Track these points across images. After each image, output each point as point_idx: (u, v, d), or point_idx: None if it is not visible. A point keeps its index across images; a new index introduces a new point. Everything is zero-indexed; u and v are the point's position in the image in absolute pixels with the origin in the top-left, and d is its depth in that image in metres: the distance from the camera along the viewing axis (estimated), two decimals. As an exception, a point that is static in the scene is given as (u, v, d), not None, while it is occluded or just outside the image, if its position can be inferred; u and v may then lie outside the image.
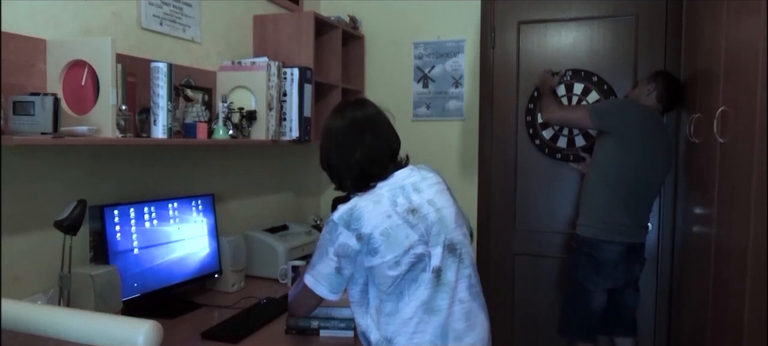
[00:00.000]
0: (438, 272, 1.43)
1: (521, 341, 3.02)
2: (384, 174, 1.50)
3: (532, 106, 2.92)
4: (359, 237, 1.41)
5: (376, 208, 1.42)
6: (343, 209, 1.45)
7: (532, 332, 2.99)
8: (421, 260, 1.42)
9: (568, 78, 2.82)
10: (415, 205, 1.45)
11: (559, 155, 2.90)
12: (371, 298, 1.48)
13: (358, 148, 1.49)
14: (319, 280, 1.47)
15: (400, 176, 1.51)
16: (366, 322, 1.49)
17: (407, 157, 1.60)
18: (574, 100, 2.86)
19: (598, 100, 2.79)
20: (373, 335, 1.47)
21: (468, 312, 1.47)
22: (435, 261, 1.43)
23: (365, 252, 1.42)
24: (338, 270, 1.46)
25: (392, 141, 1.55)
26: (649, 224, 2.58)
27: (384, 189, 1.47)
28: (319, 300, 1.52)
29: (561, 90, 2.90)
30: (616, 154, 2.40)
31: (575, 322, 2.52)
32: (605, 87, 2.81)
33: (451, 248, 1.47)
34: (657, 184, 2.48)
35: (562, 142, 2.90)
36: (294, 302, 1.61)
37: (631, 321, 2.60)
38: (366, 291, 1.49)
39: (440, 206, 1.49)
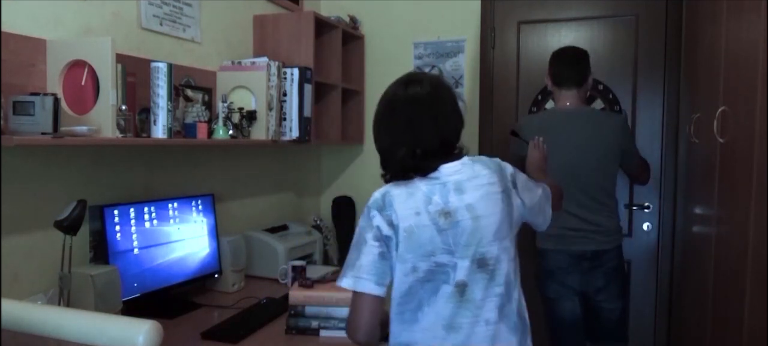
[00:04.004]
0: (462, 287, 1.30)
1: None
2: (423, 168, 1.33)
3: (534, 109, 2.92)
4: (390, 224, 1.30)
5: (408, 200, 1.30)
6: (377, 193, 1.34)
7: (533, 332, 2.99)
8: (443, 270, 1.30)
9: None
10: (450, 208, 1.30)
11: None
12: (393, 295, 1.36)
13: (387, 133, 1.36)
14: (361, 275, 1.30)
15: (446, 171, 1.34)
16: (390, 315, 1.37)
17: (462, 148, 1.39)
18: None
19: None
20: (392, 338, 1.37)
21: (494, 335, 1.31)
22: (460, 274, 1.30)
23: (393, 243, 1.31)
24: (382, 255, 1.31)
25: (443, 130, 1.34)
26: (620, 226, 2.39)
27: (422, 182, 1.33)
28: (374, 303, 1.31)
29: (551, 105, 2.88)
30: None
31: (555, 333, 2.42)
32: (610, 96, 2.80)
33: (481, 263, 1.31)
34: (593, 173, 2.28)
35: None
36: (349, 326, 1.36)
37: (613, 328, 2.41)
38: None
39: (481, 214, 1.31)
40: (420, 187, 1.32)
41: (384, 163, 1.39)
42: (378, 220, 1.31)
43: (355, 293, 1.32)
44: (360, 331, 1.33)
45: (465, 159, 1.38)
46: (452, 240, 1.30)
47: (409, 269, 1.31)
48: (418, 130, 1.32)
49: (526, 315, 1.43)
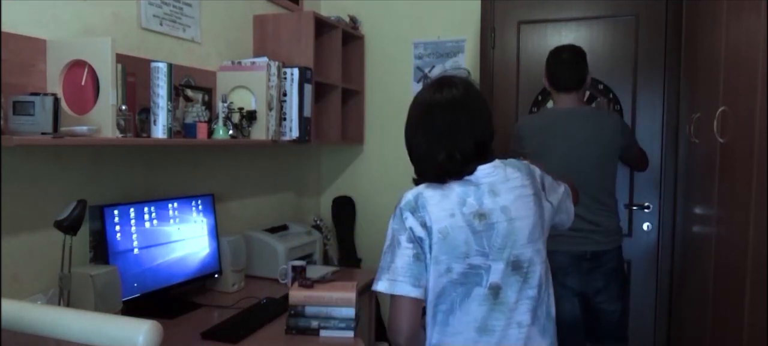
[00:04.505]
0: (496, 290, 1.29)
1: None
2: (457, 171, 1.32)
3: (535, 110, 2.92)
4: (424, 225, 1.29)
5: (442, 202, 1.29)
6: (409, 194, 1.33)
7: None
8: (476, 272, 1.29)
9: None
10: (485, 209, 1.29)
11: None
12: (428, 296, 1.34)
13: (424, 139, 1.33)
14: (397, 277, 1.28)
15: (479, 173, 1.33)
16: (427, 318, 1.35)
17: (493, 150, 1.39)
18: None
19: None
20: (427, 339, 1.36)
21: (527, 338, 1.31)
22: (494, 277, 1.29)
23: (427, 245, 1.29)
24: (417, 257, 1.29)
25: (478, 132, 1.33)
26: (620, 227, 2.37)
27: (456, 184, 1.32)
28: (412, 305, 1.29)
29: (551, 106, 2.88)
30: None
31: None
32: (611, 95, 2.80)
33: (515, 265, 1.31)
34: (593, 173, 2.26)
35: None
36: (390, 329, 1.34)
37: (613, 328, 2.39)
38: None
39: (515, 216, 1.31)
40: (454, 189, 1.31)
41: (420, 170, 1.37)
42: (411, 221, 1.30)
43: (392, 296, 1.31)
44: (401, 334, 1.31)
45: (497, 162, 1.37)
46: (487, 242, 1.29)
47: (444, 270, 1.30)
48: (457, 134, 1.31)
49: (554, 312, 1.43)
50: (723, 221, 1.72)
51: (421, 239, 1.29)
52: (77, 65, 1.70)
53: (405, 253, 1.29)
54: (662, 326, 2.78)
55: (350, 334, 1.80)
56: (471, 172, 1.32)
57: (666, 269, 2.75)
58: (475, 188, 1.31)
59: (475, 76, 3.05)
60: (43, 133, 1.49)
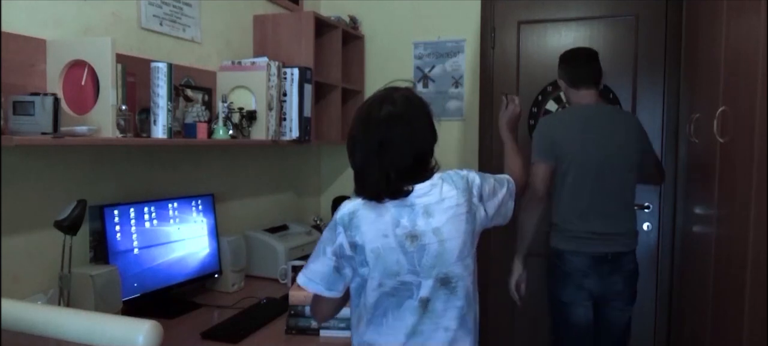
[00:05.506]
0: (425, 302, 1.36)
1: (522, 340, 3.02)
2: (396, 191, 1.34)
3: (535, 110, 2.92)
4: (352, 246, 1.34)
5: (377, 222, 1.34)
6: (346, 208, 1.38)
7: (533, 332, 2.99)
8: (407, 288, 1.35)
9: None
10: (417, 231, 1.34)
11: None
12: (361, 301, 1.42)
13: (360, 154, 1.37)
14: (314, 279, 1.39)
15: (415, 193, 1.36)
16: (353, 320, 1.46)
17: (436, 163, 1.42)
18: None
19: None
20: (355, 339, 1.46)
21: (452, 340, 1.38)
22: (424, 292, 1.35)
23: (358, 261, 1.36)
24: (337, 269, 1.38)
25: (417, 148, 1.36)
26: (637, 229, 2.31)
27: (392, 203, 1.35)
28: (326, 301, 1.42)
29: (552, 106, 2.89)
30: (567, 166, 2.19)
31: (564, 338, 2.32)
32: (611, 96, 2.80)
33: (444, 281, 1.37)
34: (621, 173, 2.22)
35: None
36: (311, 311, 1.53)
37: (619, 336, 2.32)
38: (359, 291, 1.42)
39: (446, 237, 1.35)
40: (389, 209, 1.35)
41: (357, 184, 1.40)
42: (342, 238, 1.36)
43: None
44: (317, 318, 1.55)
45: (435, 178, 1.39)
46: (418, 262, 1.34)
47: (377, 285, 1.36)
48: (393, 151, 1.33)
49: (478, 314, 1.49)
50: (723, 221, 1.72)
51: (350, 257, 1.36)
52: (77, 65, 1.70)
53: (326, 262, 1.38)
54: (662, 326, 2.78)
55: (350, 333, 1.80)
56: (406, 194, 1.35)
57: (666, 269, 2.75)
58: (410, 209, 1.35)
59: (475, 76, 3.06)
60: (43, 133, 1.49)
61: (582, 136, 2.18)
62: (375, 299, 1.37)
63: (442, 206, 1.36)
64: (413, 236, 1.34)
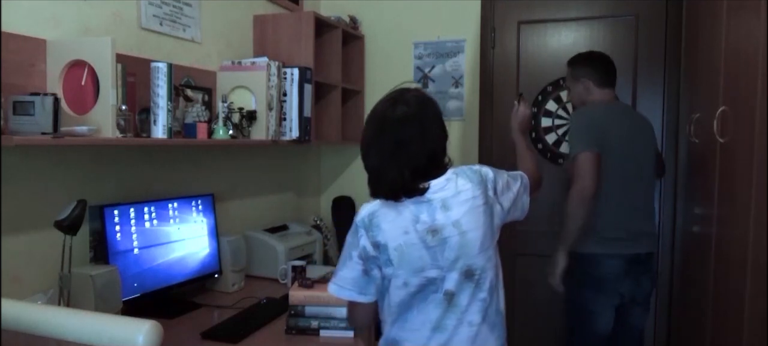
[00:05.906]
0: (451, 295, 1.37)
1: (522, 341, 3.02)
2: (412, 189, 1.35)
3: (534, 109, 2.92)
4: (375, 246, 1.36)
5: (396, 220, 1.35)
6: (365, 210, 1.39)
7: (533, 333, 2.99)
8: (432, 283, 1.36)
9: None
10: (437, 225, 1.35)
11: (561, 161, 2.90)
12: (385, 302, 1.43)
13: (376, 155, 1.37)
14: (345, 285, 1.41)
15: (432, 189, 1.37)
16: (382, 315, 1.45)
17: (449, 160, 1.43)
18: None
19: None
20: (381, 340, 1.46)
21: (475, 335, 1.38)
22: (448, 285, 1.36)
23: (382, 260, 1.37)
24: (365, 272, 1.39)
25: (430, 147, 1.37)
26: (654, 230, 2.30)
27: (410, 200, 1.36)
28: (361, 307, 1.43)
29: (552, 106, 2.89)
30: (604, 162, 2.12)
31: (582, 344, 2.27)
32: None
33: (468, 274, 1.37)
34: (649, 171, 2.23)
35: (564, 148, 2.89)
36: (347, 319, 1.61)
37: (639, 341, 2.32)
38: (384, 293, 1.42)
39: (467, 229, 1.36)
40: (408, 206, 1.36)
41: (373, 185, 1.40)
42: (364, 240, 1.37)
43: None
44: (354, 324, 1.66)
45: (449, 173, 1.41)
46: (441, 256, 1.35)
47: (401, 284, 1.37)
48: (408, 151, 1.34)
49: (504, 307, 1.47)
50: (723, 221, 1.72)
51: (374, 257, 1.37)
52: (77, 65, 1.70)
53: (354, 267, 1.40)
54: (662, 326, 2.78)
55: (350, 334, 1.80)
56: (423, 192, 1.36)
57: (666, 269, 2.75)
58: (428, 204, 1.36)
59: (475, 76, 3.06)
60: (43, 133, 1.49)
61: (618, 131, 2.16)
62: (399, 299, 1.38)
63: (459, 199, 1.37)
64: (434, 231, 1.34)
